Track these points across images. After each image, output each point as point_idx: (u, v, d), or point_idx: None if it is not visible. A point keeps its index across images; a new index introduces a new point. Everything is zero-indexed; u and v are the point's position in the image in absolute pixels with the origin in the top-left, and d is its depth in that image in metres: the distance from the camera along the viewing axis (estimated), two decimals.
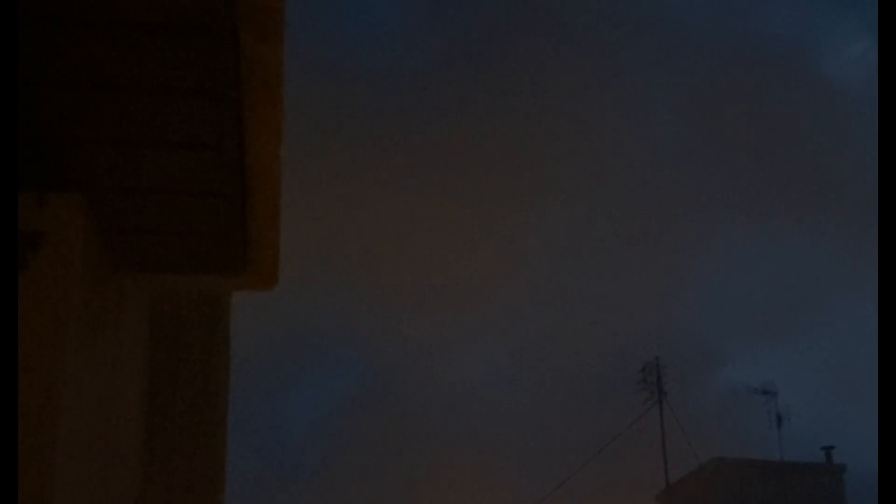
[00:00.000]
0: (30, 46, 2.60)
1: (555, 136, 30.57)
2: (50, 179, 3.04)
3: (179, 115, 2.87)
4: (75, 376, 3.06)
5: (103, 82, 2.76)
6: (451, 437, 29.32)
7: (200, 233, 3.38)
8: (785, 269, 33.61)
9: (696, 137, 32.45)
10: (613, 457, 25.39)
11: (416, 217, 30.30)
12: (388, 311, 31.00)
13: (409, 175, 29.35)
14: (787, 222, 32.04)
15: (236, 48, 2.62)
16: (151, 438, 4.36)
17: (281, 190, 3.17)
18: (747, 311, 35.63)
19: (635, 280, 32.95)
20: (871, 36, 35.80)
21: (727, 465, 25.60)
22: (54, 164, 3.02)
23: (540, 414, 30.13)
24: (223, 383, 5.08)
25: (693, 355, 29.82)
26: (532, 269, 32.31)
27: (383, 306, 30.78)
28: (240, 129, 2.89)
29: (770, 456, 25.82)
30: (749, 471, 25.64)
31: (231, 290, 4.44)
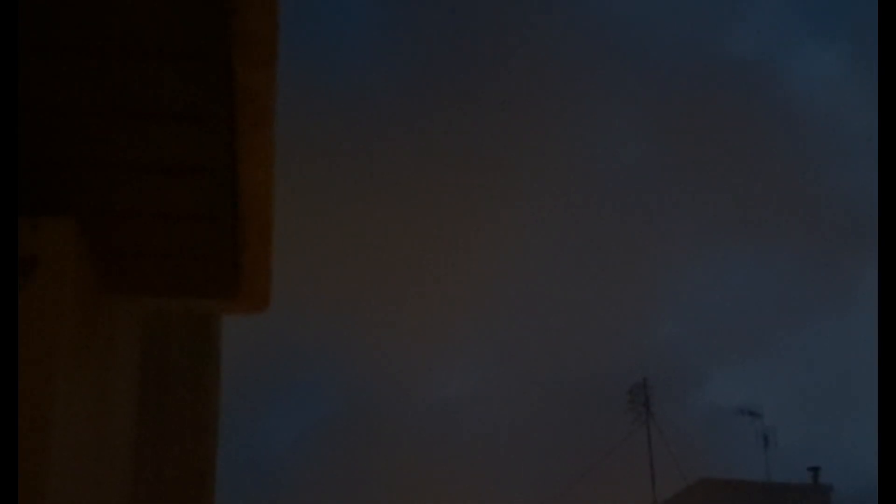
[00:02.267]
0: (24, 72, 2.63)
1: (534, 157, 30.68)
2: (43, 204, 3.07)
3: (172, 140, 2.89)
4: (67, 398, 3.09)
5: (96, 108, 2.78)
6: (435, 455, 29.31)
7: (192, 256, 3.40)
8: (765, 288, 33.71)
9: (672, 157, 32.59)
10: (601, 477, 25.39)
11: (397, 235, 30.30)
12: (370, 328, 30.98)
13: (388, 194, 29.38)
14: (766, 241, 32.18)
15: (229, 74, 2.64)
16: (141, 456, 4.38)
17: (273, 213, 3.19)
18: (729, 331, 35.70)
19: (616, 301, 33.01)
20: (837, 55, 36.15)
21: (714, 486, 25.63)
22: (47, 189, 3.04)
23: (526, 433, 30.12)
24: (213, 401, 5.10)
25: (676, 376, 29.87)
26: (513, 291, 32.34)
27: (365, 324, 30.77)
28: (232, 153, 2.91)
29: (757, 476, 25.86)
30: (736, 491, 25.66)
31: (223, 313, 4.46)
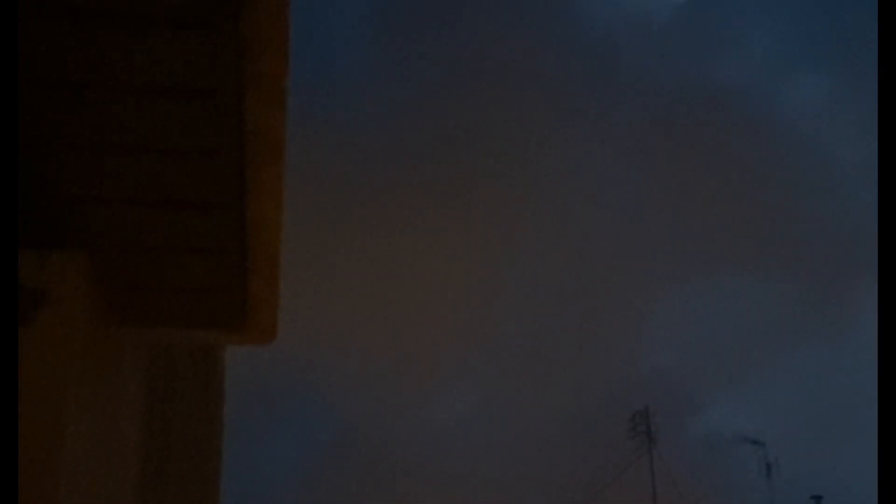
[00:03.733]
0: (35, 106, 2.66)
1: (529, 189, 30.75)
2: (53, 237, 3.10)
3: (182, 176, 2.92)
4: (76, 430, 3.11)
5: (108, 143, 2.81)
6: (433, 483, 29.18)
7: (201, 289, 3.43)
8: (764, 314, 33.69)
9: (667, 184, 32.63)
10: None
11: (393, 263, 30.32)
12: (367, 355, 30.95)
13: (382, 225, 29.41)
14: (764, 267, 32.22)
15: (241, 112, 2.68)
16: (148, 485, 4.40)
17: (281, 248, 3.23)
18: (730, 358, 35.61)
19: (614, 328, 32.97)
20: (829, 82, 36.26)
21: None
22: (57, 223, 3.07)
23: (525, 461, 30.03)
24: (217, 430, 5.13)
25: (677, 403, 29.80)
26: (510, 318, 32.31)
27: (362, 351, 30.74)
28: (242, 189, 2.95)
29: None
30: None
31: (231, 345, 4.49)
